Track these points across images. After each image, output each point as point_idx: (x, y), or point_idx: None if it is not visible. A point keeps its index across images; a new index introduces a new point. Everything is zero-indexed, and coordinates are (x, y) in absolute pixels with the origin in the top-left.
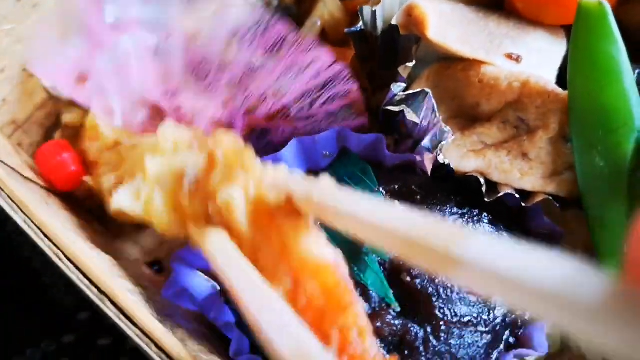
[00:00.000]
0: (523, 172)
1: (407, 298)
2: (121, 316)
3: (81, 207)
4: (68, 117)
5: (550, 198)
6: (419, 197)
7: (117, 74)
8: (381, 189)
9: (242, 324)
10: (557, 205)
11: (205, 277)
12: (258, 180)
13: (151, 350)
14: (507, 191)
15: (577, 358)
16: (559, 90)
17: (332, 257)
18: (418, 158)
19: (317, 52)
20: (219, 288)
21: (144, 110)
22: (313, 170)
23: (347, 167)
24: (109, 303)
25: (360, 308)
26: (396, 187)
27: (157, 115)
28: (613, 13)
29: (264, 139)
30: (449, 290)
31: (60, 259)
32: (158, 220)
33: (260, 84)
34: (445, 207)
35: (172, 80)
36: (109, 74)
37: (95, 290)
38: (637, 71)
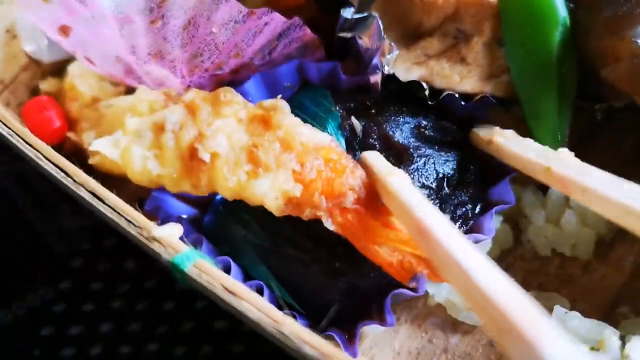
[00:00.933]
0: (462, 76)
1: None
2: (94, 198)
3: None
4: (45, 85)
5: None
6: (373, 111)
7: (95, 34)
8: (338, 108)
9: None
10: (494, 101)
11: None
12: (243, 104)
13: (123, 221)
14: (448, 92)
15: (528, 252)
16: None
17: (328, 139)
18: (371, 78)
19: (270, 15)
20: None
21: (119, 65)
22: None
23: (307, 94)
24: (83, 190)
25: (360, 170)
26: (352, 105)
27: (130, 72)
28: None
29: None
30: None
31: (40, 159)
32: (133, 170)
33: (222, 49)
34: (398, 117)
35: (143, 48)
36: (88, 32)
37: (71, 180)
38: None
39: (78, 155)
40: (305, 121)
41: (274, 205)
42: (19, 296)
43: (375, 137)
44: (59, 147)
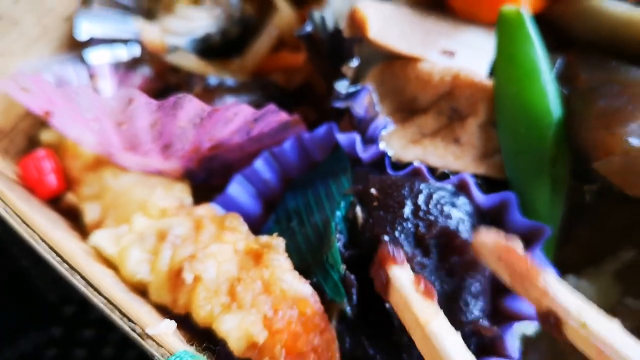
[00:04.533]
0: (456, 156)
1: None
2: (88, 287)
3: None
4: (46, 136)
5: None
6: (375, 203)
7: (74, 124)
8: (352, 192)
9: None
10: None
11: None
12: (245, 235)
13: (115, 315)
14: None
15: None
16: (486, 81)
17: (309, 292)
18: (370, 149)
19: (238, 107)
20: None
21: (101, 150)
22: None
23: (332, 164)
24: (78, 277)
25: (332, 331)
26: (361, 187)
27: (112, 156)
28: (546, 10)
29: (216, 161)
30: None
31: (35, 241)
32: (124, 269)
33: (193, 139)
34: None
35: (116, 143)
36: (68, 121)
37: (66, 265)
38: (558, 61)
39: (74, 213)
40: (319, 201)
41: (236, 345)
42: (10, 341)
43: (368, 237)
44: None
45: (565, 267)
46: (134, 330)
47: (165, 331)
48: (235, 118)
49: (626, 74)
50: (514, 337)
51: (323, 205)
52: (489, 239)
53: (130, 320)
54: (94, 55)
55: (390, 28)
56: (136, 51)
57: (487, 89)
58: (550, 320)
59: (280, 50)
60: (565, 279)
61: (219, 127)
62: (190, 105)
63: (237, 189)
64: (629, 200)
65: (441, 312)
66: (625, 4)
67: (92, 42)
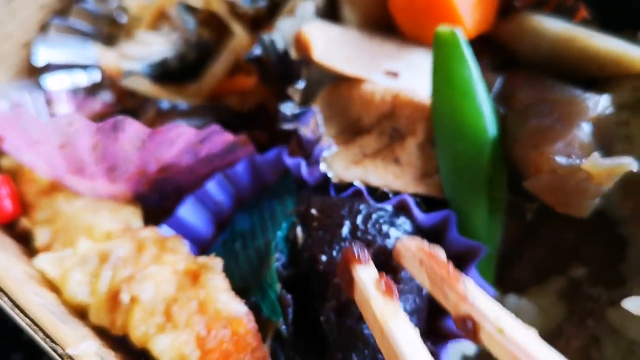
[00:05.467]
0: (396, 175)
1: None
2: (14, 308)
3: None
4: (5, 162)
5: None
6: (315, 224)
7: (25, 149)
8: (294, 213)
9: None
10: (424, 207)
11: None
12: (186, 256)
13: (38, 336)
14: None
15: None
16: (425, 100)
17: (244, 311)
18: (314, 170)
19: (180, 129)
20: None
21: (51, 173)
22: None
23: (281, 186)
24: (5, 298)
25: (264, 350)
26: (302, 209)
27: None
28: (492, 29)
29: (168, 184)
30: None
31: None
32: (65, 290)
33: (137, 161)
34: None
35: (61, 166)
36: (19, 144)
37: None
38: (498, 80)
39: (28, 237)
40: (264, 223)
41: None
42: None
43: (306, 256)
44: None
45: (513, 285)
46: (55, 351)
47: (86, 352)
48: (179, 139)
49: (559, 93)
50: (449, 356)
51: (267, 226)
52: (411, 244)
53: (52, 341)
54: (51, 81)
55: (336, 50)
56: (96, 76)
57: (426, 108)
58: (467, 325)
59: (235, 74)
60: (506, 298)
61: (163, 148)
62: (131, 128)
63: (188, 210)
64: (577, 219)
65: (401, 311)
66: (563, 23)
67: (49, 68)
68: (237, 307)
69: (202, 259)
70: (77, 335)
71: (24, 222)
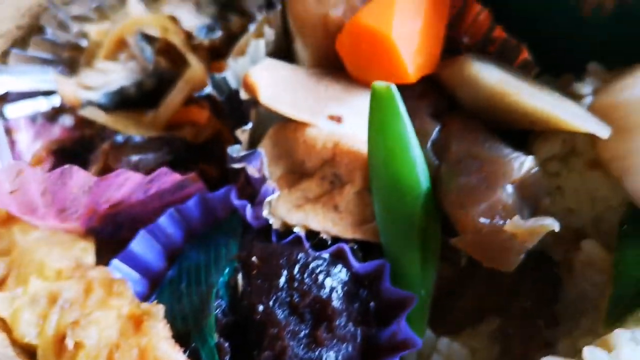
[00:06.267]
0: (335, 222)
1: None
2: None
3: None
4: None
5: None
6: (255, 272)
7: None
8: (237, 259)
9: None
10: (360, 254)
11: None
12: (131, 300)
13: None
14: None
15: None
16: (364, 149)
17: (182, 359)
18: (259, 211)
19: (127, 174)
20: None
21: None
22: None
23: (228, 227)
24: None
25: None
26: (245, 254)
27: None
28: (436, 71)
29: (122, 216)
30: None
31: None
32: (15, 331)
33: (86, 203)
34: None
35: (13, 207)
36: None
37: None
38: (436, 129)
39: None
40: (209, 265)
41: None
42: None
43: (245, 304)
44: None
45: (450, 327)
46: None
47: None
48: (127, 182)
49: (489, 149)
50: None
51: (210, 269)
52: None
53: None
54: (10, 109)
55: (283, 92)
56: (56, 102)
57: (364, 157)
58: None
59: (191, 105)
60: (439, 341)
61: (111, 191)
62: (78, 176)
63: (140, 244)
64: None
65: None
66: (499, 74)
67: (8, 96)
68: (176, 357)
69: (145, 305)
70: None
71: None
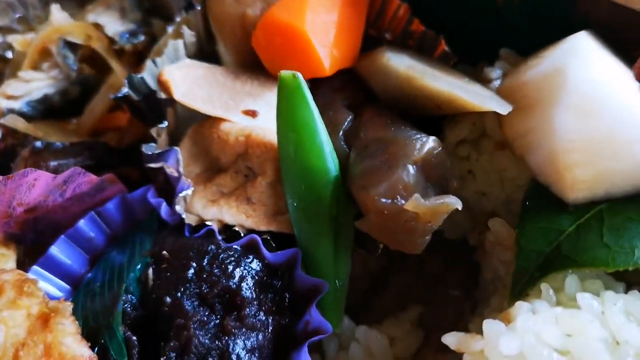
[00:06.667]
0: (248, 215)
1: None
2: None
3: None
4: None
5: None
6: (164, 265)
7: None
8: (149, 255)
9: None
10: (273, 245)
11: None
12: (41, 299)
13: None
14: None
15: None
16: (275, 140)
17: (87, 354)
18: (177, 207)
19: (36, 173)
20: None
21: None
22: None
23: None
24: None
25: None
26: (156, 248)
27: None
28: (355, 65)
29: (42, 223)
30: None
31: None
32: None
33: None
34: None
35: None
36: None
37: None
38: (348, 118)
39: None
40: (122, 263)
41: None
42: None
43: (154, 298)
44: None
45: (376, 315)
46: None
47: None
48: (37, 183)
49: (395, 133)
50: None
51: (122, 267)
52: None
53: None
54: None
55: (198, 89)
56: None
57: (275, 148)
58: None
59: (116, 110)
60: (357, 329)
61: (22, 192)
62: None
63: (61, 249)
64: (440, 250)
65: None
66: (409, 61)
67: None
68: (81, 351)
69: (53, 303)
70: None
71: None
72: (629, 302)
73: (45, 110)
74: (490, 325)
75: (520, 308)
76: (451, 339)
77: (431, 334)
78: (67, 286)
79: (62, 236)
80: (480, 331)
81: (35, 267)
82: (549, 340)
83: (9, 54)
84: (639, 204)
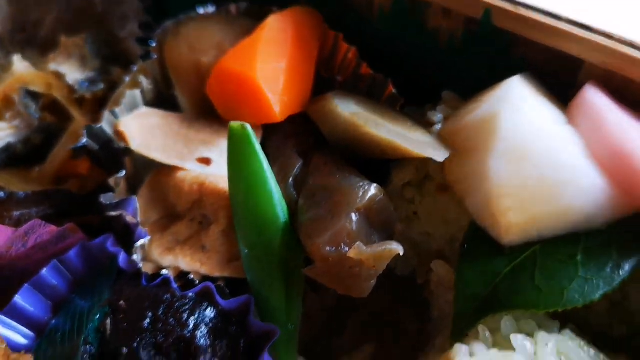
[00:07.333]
0: (203, 262)
1: None
2: None
3: None
4: None
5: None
6: (122, 316)
7: None
8: (107, 304)
9: None
10: (227, 291)
11: None
12: (3, 352)
13: None
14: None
15: None
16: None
17: None
18: (135, 257)
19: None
20: None
21: None
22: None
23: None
24: None
25: None
26: (115, 298)
27: None
28: (307, 109)
29: (6, 271)
30: None
31: None
32: None
33: None
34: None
35: None
36: None
37: None
38: (298, 165)
39: None
40: (83, 313)
41: None
42: None
43: (112, 348)
44: None
45: (330, 355)
46: None
47: None
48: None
49: (339, 181)
50: None
51: (84, 316)
52: None
53: None
54: None
55: (153, 139)
56: None
57: (227, 196)
58: None
59: (77, 158)
60: None
61: None
62: None
63: (25, 297)
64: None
65: None
66: (354, 107)
67: None
68: None
69: (14, 356)
70: None
71: None
72: (560, 341)
73: (8, 159)
74: None
75: (459, 351)
76: None
77: None
78: (32, 333)
79: (26, 285)
80: None
81: (0, 316)
82: None
83: None
84: (568, 246)
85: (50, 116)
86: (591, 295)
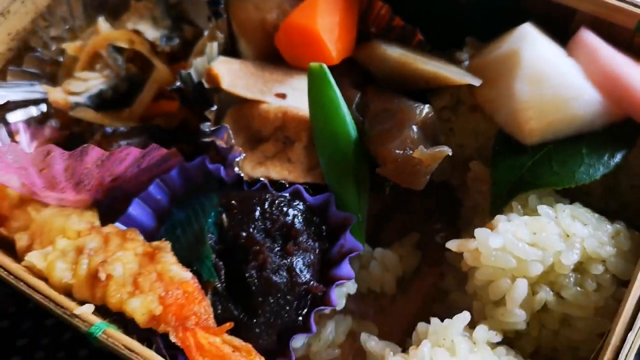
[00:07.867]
0: (290, 171)
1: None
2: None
3: None
4: None
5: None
6: (236, 211)
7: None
8: (219, 204)
9: None
10: (311, 192)
11: None
12: (142, 242)
13: (51, 305)
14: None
15: None
16: (306, 115)
17: (189, 276)
18: (229, 171)
19: (129, 149)
20: None
21: (25, 190)
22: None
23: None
24: (22, 284)
25: (207, 301)
26: (225, 201)
27: (35, 194)
28: (353, 54)
29: (118, 191)
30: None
31: None
32: (52, 278)
33: (97, 175)
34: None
35: (39, 184)
36: None
37: (12, 277)
38: (358, 95)
39: (6, 243)
40: (196, 214)
41: (141, 319)
42: None
43: (231, 234)
44: None
45: (382, 241)
46: (66, 314)
47: (86, 311)
48: (127, 157)
49: (397, 103)
50: (335, 293)
51: (198, 216)
52: None
53: (63, 307)
54: (10, 116)
55: (238, 80)
56: (44, 108)
57: (307, 121)
58: None
59: (160, 99)
60: (374, 251)
61: (115, 165)
62: (93, 152)
63: (136, 209)
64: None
65: None
66: (400, 50)
67: (8, 105)
68: (185, 274)
69: (156, 243)
70: (72, 305)
71: (3, 232)
72: (573, 209)
73: (101, 103)
74: (480, 231)
75: (500, 219)
76: (453, 244)
77: (426, 253)
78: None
79: (136, 199)
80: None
81: (117, 224)
82: (522, 237)
83: (61, 58)
84: (576, 143)
85: (134, 67)
86: (594, 175)
